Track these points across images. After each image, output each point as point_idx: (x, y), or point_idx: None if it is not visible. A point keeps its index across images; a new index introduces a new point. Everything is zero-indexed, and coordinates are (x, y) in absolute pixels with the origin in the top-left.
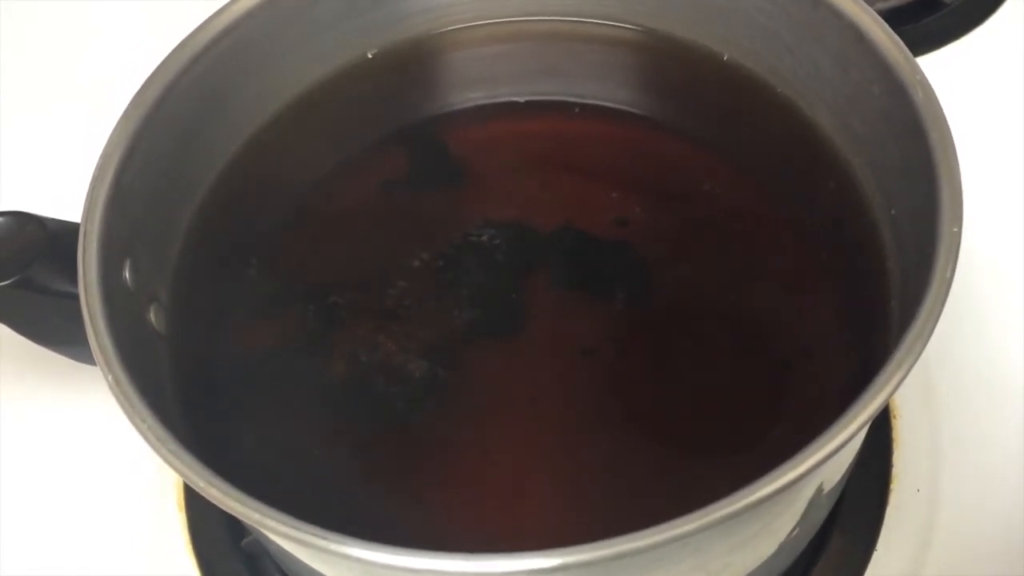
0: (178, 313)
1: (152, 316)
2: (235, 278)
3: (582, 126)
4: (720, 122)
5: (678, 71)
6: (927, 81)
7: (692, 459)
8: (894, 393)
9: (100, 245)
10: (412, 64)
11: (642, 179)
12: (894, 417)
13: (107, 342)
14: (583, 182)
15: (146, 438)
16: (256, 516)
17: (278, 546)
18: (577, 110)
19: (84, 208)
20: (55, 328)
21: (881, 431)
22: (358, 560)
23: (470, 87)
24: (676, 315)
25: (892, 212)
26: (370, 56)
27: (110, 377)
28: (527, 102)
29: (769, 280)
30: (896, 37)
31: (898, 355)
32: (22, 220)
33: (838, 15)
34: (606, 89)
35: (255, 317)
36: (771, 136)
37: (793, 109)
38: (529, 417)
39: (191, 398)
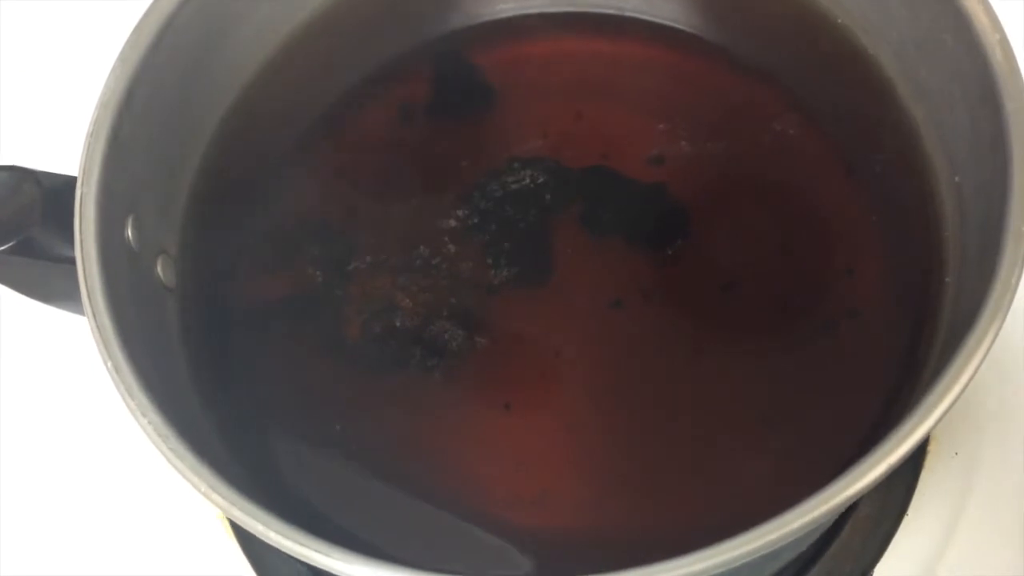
0: (188, 263)
1: (160, 270)
2: (247, 223)
3: (624, 45)
4: (770, 49)
5: None
6: (1008, 41)
7: (723, 428)
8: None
9: (99, 207)
10: None
11: (684, 111)
12: None
13: (106, 321)
14: (621, 112)
15: (147, 434)
16: (260, 528)
17: None
18: (619, 25)
19: (80, 168)
20: (56, 289)
21: None
22: None
23: None
24: (713, 267)
25: (956, 179)
26: None
27: (110, 364)
28: (563, 14)
29: (815, 232)
30: None
31: (950, 372)
32: (17, 176)
33: None
34: (652, 3)
35: (268, 264)
36: (826, 71)
37: (853, 43)
38: (553, 372)
39: (202, 359)
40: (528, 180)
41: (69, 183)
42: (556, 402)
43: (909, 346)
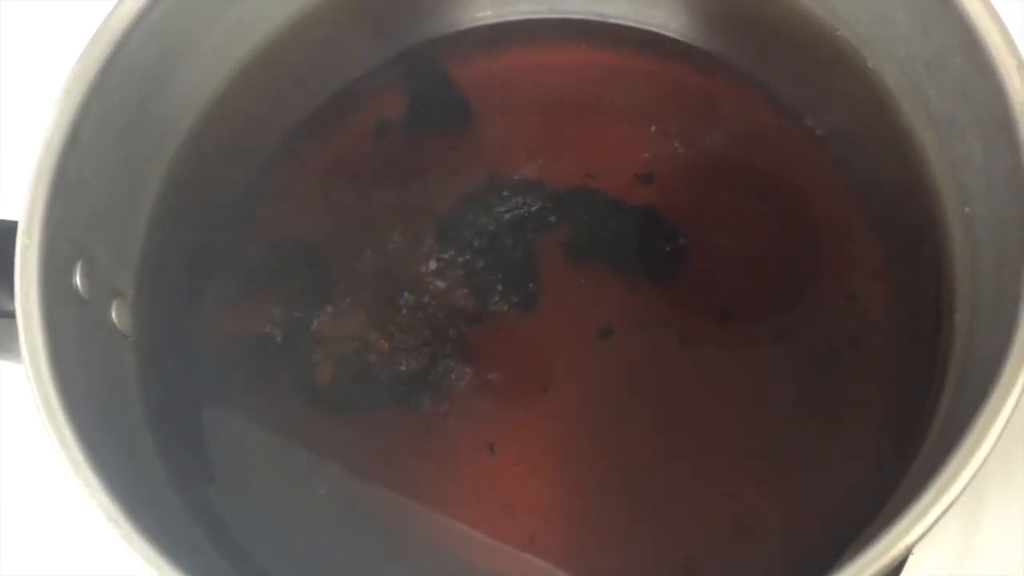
0: (147, 304)
1: (114, 316)
2: (211, 256)
3: (608, 54)
4: (764, 60)
5: None
6: None
7: (721, 466)
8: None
9: (43, 258)
10: None
11: (673, 125)
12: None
13: (51, 391)
14: (606, 126)
15: (97, 517)
16: None
17: None
18: (602, 32)
19: (22, 214)
20: None
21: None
22: None
23: (479, 3)
24: (708, 293)
25: (966, 210)
26: None
27: (54, 438)
28: (544, 20)
29: (813, 253)
30: (992, 5)
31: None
32: None
33: None
34: (638, 8)
35: (235, 302)
36: (826, 86)
37: (853, 58)
38: (540, 409)
39: (161, 412)
40: (511, 207)
41: (9, 229)
42: (543, 441)
43: (917, 383)
